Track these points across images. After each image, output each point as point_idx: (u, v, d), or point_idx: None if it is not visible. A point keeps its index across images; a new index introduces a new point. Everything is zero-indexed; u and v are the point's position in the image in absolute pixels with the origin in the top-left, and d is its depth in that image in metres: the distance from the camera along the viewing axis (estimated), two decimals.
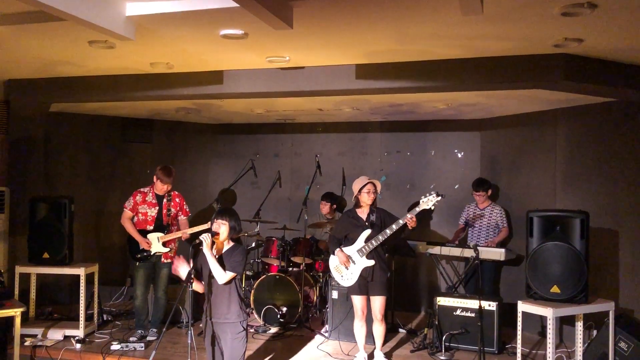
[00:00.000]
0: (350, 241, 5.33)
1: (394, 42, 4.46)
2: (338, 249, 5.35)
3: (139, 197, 6.04)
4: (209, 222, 5.43)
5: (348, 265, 5.28)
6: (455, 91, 5.52)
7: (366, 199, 5.30)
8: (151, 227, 5.99)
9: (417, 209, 5.11)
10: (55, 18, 3.67)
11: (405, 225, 5.11)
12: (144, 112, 7.61)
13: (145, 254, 5.95)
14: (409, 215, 5.07)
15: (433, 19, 3.83)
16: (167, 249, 5.98)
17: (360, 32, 4.20)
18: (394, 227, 5.12)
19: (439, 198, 5.08)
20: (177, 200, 6.14)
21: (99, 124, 7.87)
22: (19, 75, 6.06)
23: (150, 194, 6.05)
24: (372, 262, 5.20)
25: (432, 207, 5.12)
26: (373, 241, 5.19)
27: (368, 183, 5.29)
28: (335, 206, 7.38)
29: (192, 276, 4.03)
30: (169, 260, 6.04)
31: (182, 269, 4.12)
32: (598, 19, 3.75)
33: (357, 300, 5.34)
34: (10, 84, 6.29)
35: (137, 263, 6.00)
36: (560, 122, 6.40)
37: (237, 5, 3.31)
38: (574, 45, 4.38)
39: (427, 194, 5.13)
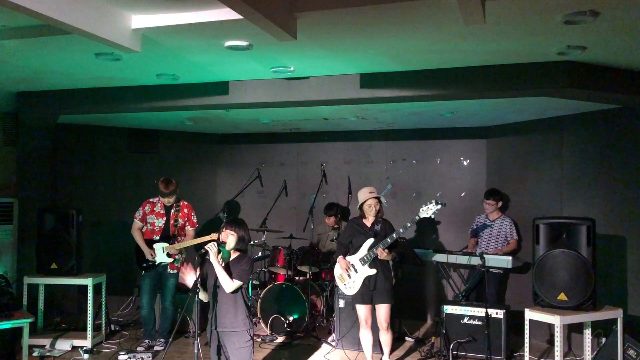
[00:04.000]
0: (354, 249, 5.37)
1: (397, 51, 4.49)
2: (340, 257, 5.40)
3: (147, 207, 6.10)
4: (213, 233, 5.47)
5: (348, 271, 5.33)
6: (460, 99, 5.53)
7: (368, 211, 5.35)
8: (157, 237, 6.03)
9: (417, 217, 5.17)
10: (62, 31, 3.71)
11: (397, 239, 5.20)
12: (150, 122, 7.67)
13: (150, 263, 5.99)
14: (401, 230, 5.16)
15: (436, 28, 3.85)
16: (172, 260, 6.00)
17: (363, 41, 4.23)
18: (389, 240, 5.18)
19: (439, 207, 5.13)
20: (186, 210, 6.17)
21: (105, 135, 7.94)
22: (27, 87, 6.13)
23: (159, 204, 6.10)
24: (373, 271, 5.22)
25: (432, 216, 5.16)
26: (375, 250, 5.21)
27: (371, 199, 5.31)
28: (339, 216, 7.38)
29: (199, 285, 4.07)
30: (175, 271, 6.06)
31: (189, 277, 4.16)
32: (600, 27, 3.76)
33: (361, 310, 5.35)
34: (18, 96, 6.36)
35: (143, 272, 6.05)
36: (566, 129, 6.39)
37: (241, 17, 3.34)
38: (577, 53, 4.39)
39: (428, 203, 5.19)
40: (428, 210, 5.15)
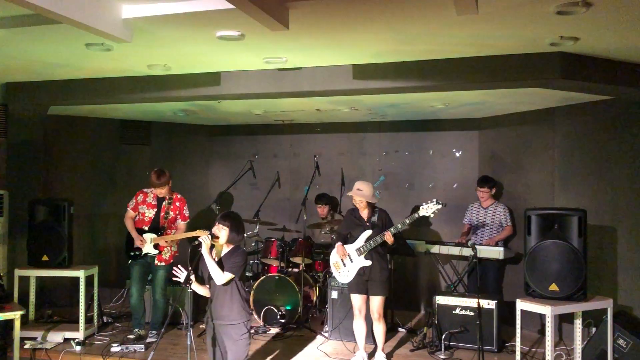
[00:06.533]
0: (352, 239, 5.39)
1: (390, 42, 4.47)
2: (339, 243, 5.42)
3: (140, 197, 6.10)
4: (199, 230, 5.45)
5: (344, 257, 5.34)
6: (452, 90, 5.52)
7: (357, 206, 5.36)
8: (147, 228, 6.02)
9: (416, 215, 5.16)
10: (52, 21, 3.68)
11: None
12: (142, 114, 7.62)
13: (137, 253, 5.98)
14: (399, 225, 5.14)
15: (428, 18, 3.84)
16: (158, 252, 5.99)
17: (356, 32, 4.21)
18: (400, 226, 5.18)
19: (440, 207, 5.10)
20: (178, 204, 6.13)
21: (97, 126, 7.88)
22: (17, 78, 6.07)
23: (152, 195, 6.08)
24: (369, 263, 5.24)
25: (432, 215, 5.14)
26: (372, 242, 5.21)
27: (356, 197, 5.29)
28: (330, 206, 7.38)
29: (191, 277, 4.07)
30: (163, 263, 6.04)
31: (181, 275, 4.15)
32: (593, 17, 3.75)
33: (355, 299, 5.37)
34: (8, 87, 6.30)
35: (130, 260, 6.04)
36: (558, 120, 6.40)
37: (233, 6, 3.32)
38: (569, 44, 4.39)
39: (429, 201, 5.16)
40: (428, 209, 5.10)
